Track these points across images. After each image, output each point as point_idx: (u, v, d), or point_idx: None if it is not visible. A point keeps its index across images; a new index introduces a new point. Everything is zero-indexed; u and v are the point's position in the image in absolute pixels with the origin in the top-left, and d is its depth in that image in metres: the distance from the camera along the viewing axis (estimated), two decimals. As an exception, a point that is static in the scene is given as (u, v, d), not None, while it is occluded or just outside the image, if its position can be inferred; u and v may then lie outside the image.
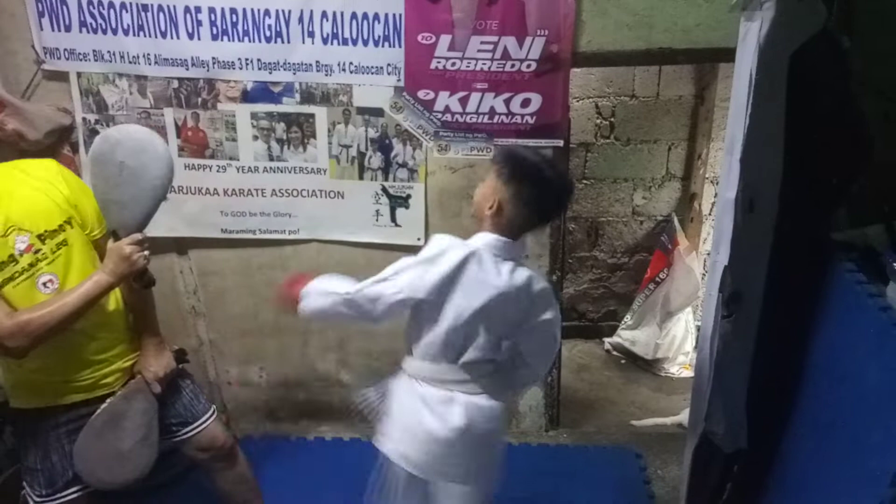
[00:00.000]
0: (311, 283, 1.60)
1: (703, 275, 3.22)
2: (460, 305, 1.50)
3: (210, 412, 1.91)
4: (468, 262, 1.49)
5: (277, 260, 2.58)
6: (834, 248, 1.70)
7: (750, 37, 1.43)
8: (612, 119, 3.24)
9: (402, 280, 1.52)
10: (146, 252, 1.60)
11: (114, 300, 1.71)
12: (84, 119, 2.35)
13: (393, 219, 2.47)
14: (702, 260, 3.34)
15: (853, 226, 1.76)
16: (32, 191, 1.57)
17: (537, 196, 1.50)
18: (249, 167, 2.42)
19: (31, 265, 1.54)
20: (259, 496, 2.09)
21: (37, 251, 1.54)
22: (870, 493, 1.34)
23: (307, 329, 2.70)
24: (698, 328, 3.06)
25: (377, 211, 2.47)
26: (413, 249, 2.48)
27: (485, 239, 1.52)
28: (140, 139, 1.58)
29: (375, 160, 2.40)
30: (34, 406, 1.66)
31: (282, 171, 2.43)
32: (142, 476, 1.72)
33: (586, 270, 3.69)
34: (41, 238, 1.55)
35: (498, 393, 1.64)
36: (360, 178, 2.43)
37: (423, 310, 1.54)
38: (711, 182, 3.23)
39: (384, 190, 2.44)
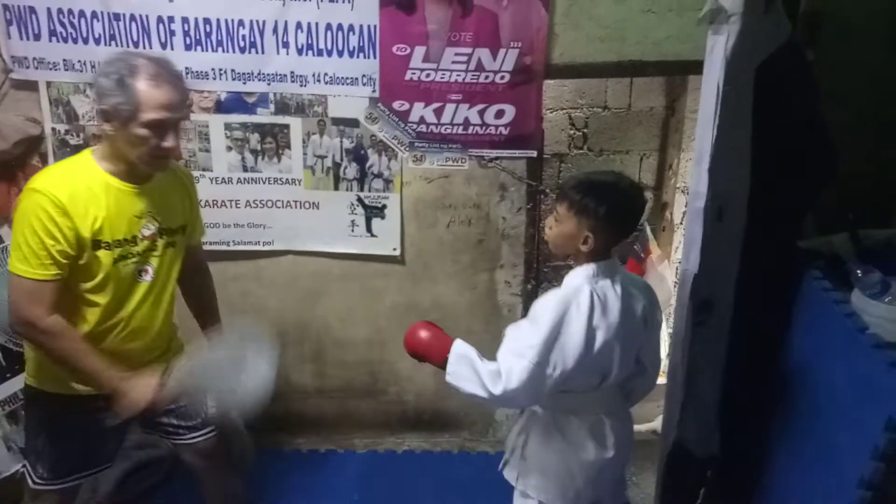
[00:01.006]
0: (456, 353, 1.56)
1: (676, 283, 3.26)
2: (598, 339, 1.49)
3: (207, 430, 1.90)
4: (593, 304, 1.49)
5: (252, 271, 2.56)
6: (801, 256, 1.74)
7: (717, 49, 1.47)
8: (586, 130, 3.28)
9: (538, 351, 1.46)
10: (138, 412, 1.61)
11: (163, 310, 1.74)
12: (53, 129, 2.31)
13: (369, 229, 2.47)
14: (674, 268, 3.38)
15: (819, 234, 1.81)
16: (174, 188, 1.71)
17: (623, 214, 1.53)
18: (223, 178, 2.41)
19: (144, 252, 1.62)
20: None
21: (153, 242, 1.64)
22: (841, 496, 1.37)
23: (283, 342, 2.68)
24: (671, 336, 3.10)
25: (353, 221, 2.46)
26: (389, 259, 2.53)
27: (588, 272, 1.53)
28: (269, 363, 1.64)
29: (351, 171, 2.40)
30: (52, 390, 1.65)
31: (256, 182, 2.41)
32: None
33: (561, 280, 3.70)
34: (161, 232, 1.65)
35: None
36: (336, 188, 2.43)
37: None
38: (682, 192, 3.28)
39: (360, 200, 2.44)
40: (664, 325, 3.36)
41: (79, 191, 1.49)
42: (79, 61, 2.24)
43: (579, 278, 1.53)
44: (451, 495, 2.47)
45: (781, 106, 1.60)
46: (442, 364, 1.57)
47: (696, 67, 1.68)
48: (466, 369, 1.53)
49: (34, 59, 2.22)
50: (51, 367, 1.62)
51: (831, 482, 1.46)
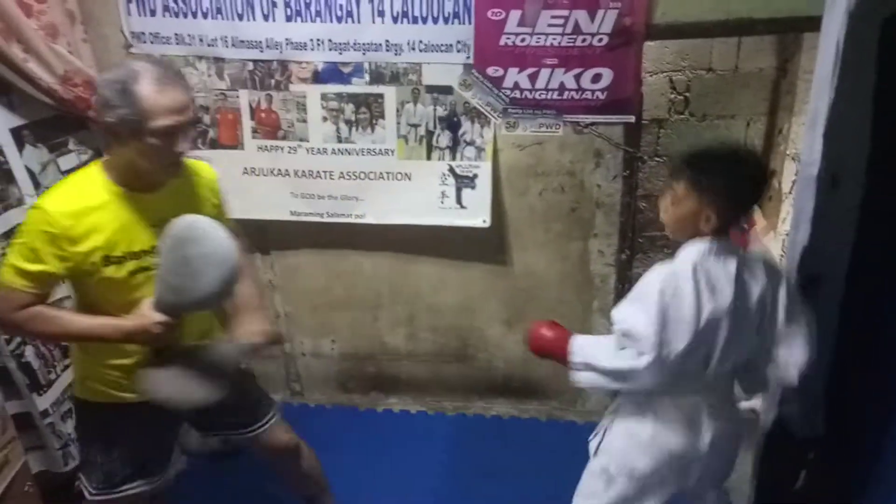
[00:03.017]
0: (577, 349, 1.58)
1: (781, 256, 3.09)
2: (702, 320, 1.43)
3: (271, 415, 1.91)
4: (698, 282, 1.42)
5: (346, 238, 2.64)
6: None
7: (839, 2, 1.36)
8: (687, 94, 3.11)
9: (653, 342, 1.42)
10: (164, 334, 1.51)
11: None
12: (96, 80, 2.45)
13: (458, 200, 2.48)
14: (780, 240, 3.20)
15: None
16: (194, 191, 1.65)
17: (747, 188, 1.45)
18: (319, 149, 2.47)
19: None
20: (325, 489, 2.12)
21: None
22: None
23: (377, 304, 2.77)
24: (775, 311, 2.94)
25: (443, 192, 2.48)
26: (477, 232, 2.53)
27: (701, 248, 1.46)
28: (218, 247, 1.45)
29: (444, 139, 2.41)
30: (101, 400, 1.65)
31: (350, 154, 2.47)
32: (211, 399, 1.58)
33: (657, 250, 3.58)
34: None
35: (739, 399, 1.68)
36: (428, 157, 2.45)
37: None
38: (792, 159, 3.07)
39: (451, 170, 2.45)
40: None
41: (86, 209, 1.44)
42: (188, 35, 2.36)
43: (692, 254, 1.45)
44: (536, 462, 2.50)
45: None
46: (564, 360, 1.60)
47: (813, 24, 1.56)
48: (588, 363, 1.55)
49: (150, 33, 2.37)
50: (96, 376, 1.62)
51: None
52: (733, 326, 1.46)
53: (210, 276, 1.42)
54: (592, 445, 1.75)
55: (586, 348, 1.57)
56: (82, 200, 1.45)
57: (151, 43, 2.38)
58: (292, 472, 2.02)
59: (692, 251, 1.47)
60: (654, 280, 1.45)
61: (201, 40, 2.36)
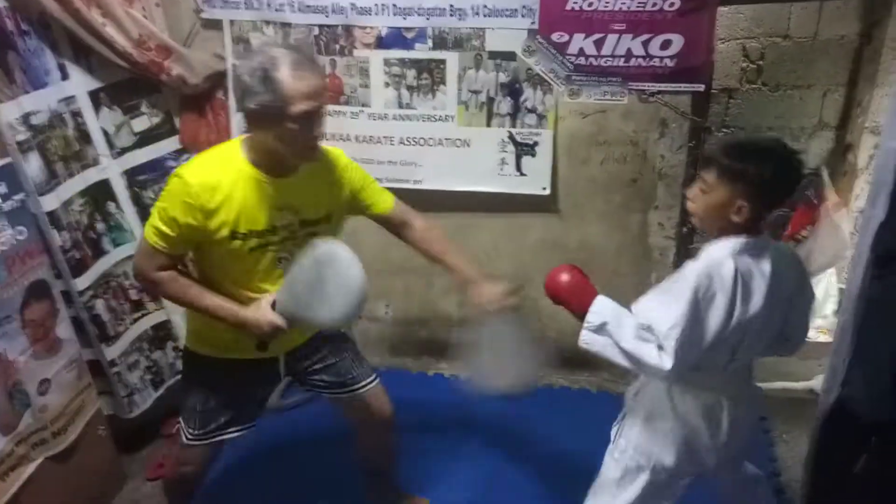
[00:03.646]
0: (600, 309, 1.47)
1: (853, 234, 2.96)
2: (735, 320, 1.41)
3: (370, 378, 1.95)
4: (736, 282, 1.39)
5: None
6: None
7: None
8: (761, 62, 2.98)
9: (675, 345, 1.37)
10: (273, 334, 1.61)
11: None
12: (234, 65, 2.51)
13: (518, 167, 2.47)
14: (853, 218, 3.06)
15: None
16: (322, 178, 1.67)
17: (782, 180, 1.41)
18: (380, 115, 2.50)
19: (283, 241, 1.62)
20: (394, 465, 2.14)
21: (292, 232, 1.63)
22: None
23: (431, 271, 2.79)
24: (841, 290, 2.85)
25: (502, 159, 2.47)
26: (537, 200, 2.52)
27: (733, 245, 1.43)
28: (353, 280, 1.54)
29: (504, 106, 2.40)
30: (209, 353, 1.74)
31: (410, 119, 2.48)
32: (532, 382, 1.80)
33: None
34: (302, 223, 1.64)
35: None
36: (488, 124, 2.44)
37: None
38: (872, 132, 2.92)
39: (511, 137, 2.43)
40: (833, 278, 3.11)
41: (221, 184, 1.50)
42: (257, 0, 2.39)
43: (723, 251, 1.42)
44: (586, 433, 2.47)
45: None
46: (581, 314, 1.49)
47: (906, -13, 1.47)
48: (605, 338, 1.46)
49: (220, -1, 2.41)
50: (206, 333, 1.71)
51: None
52: (764, 325, 1.45)
53: (336, 305, 1.53)
54: (614, 432, 1.72)
55: (610, 315, 1.46)
56: (219, 175, 1.52)
57: (221, 7, 2.43)
58: (376, 442, 2.05)
59: (724, 248, 1.43)
60: (688, 278, 1.40)
61: (269, 5, 2.40)
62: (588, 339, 1.47)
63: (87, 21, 2.04)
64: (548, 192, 2.47)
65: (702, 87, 2.22)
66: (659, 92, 2.26)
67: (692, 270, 1.41)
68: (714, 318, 1.39)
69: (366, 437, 2.04)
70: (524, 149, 2.44)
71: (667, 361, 1.37)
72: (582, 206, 2.52)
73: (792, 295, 1.52)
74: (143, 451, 2.49)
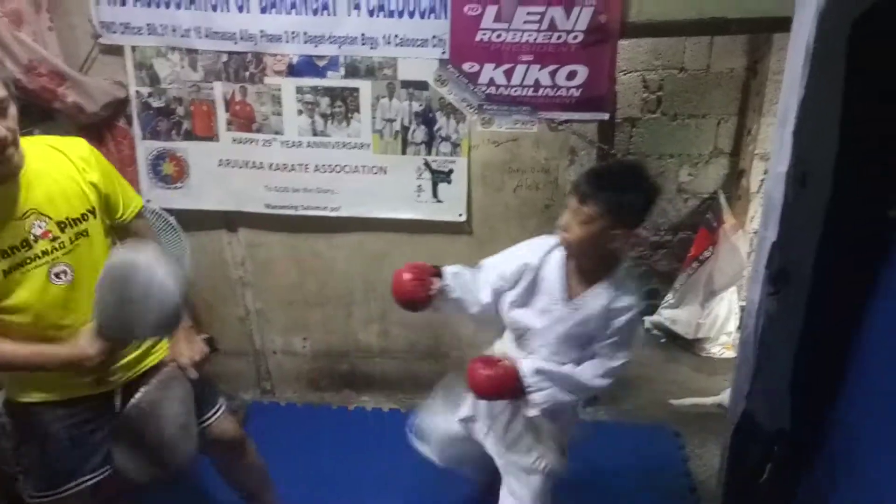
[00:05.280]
0: (527, 376, 1.59)
1: (750, 254, 3.15)
2: None
3: (219, 405, 1.85)
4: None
5: (320, 233, 2.62)
6: (891, 226, 1.64)
7: (809, 2, 1.38)
8: (660, 93, 3.17)
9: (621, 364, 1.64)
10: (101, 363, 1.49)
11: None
12: (137, 92, 2.41)
13: (435, 194, 2.48)
14: (748, 238, 3.27)
15: (912, 203, 1.70)
16: (61, 173, 1.47)
17: (642, 201, 1.52)
18: (294, 142, 2.46)
19: (46, 252, 1.44)
20: (269, 486, 2.06)
21: (54, 238, 1.44)
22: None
23: (351, 300, 2.75)
24: (742, 308, 3.00)
25: (419, 186, 2.48)
26: (454, 226, 2.54)
27: (630, 279, 1.64)
28: (162, 285, 1.40)
29: (419, 134, 2.41)
30: (33, 400, 1.58)
31: (325, 146, 2.45)
32: (184, 465, 1.65)
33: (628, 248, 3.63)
34: (61, 226, 1.46)
35: None
36: (404, 152, 2.44)
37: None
38: (761, 158, 3.14)
39: (427, 164, 2.45)
40: (734, 296, 3.29)
41: None
42: (161, 25, 2.31)
43: (633, 290, 1.63)
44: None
45: (877, 63, 1.50)
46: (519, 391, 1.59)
47: (783, 24, 1.59)
48: (548, 388, 1.59)
49: (120, 24, 2.32)
50: (33, 376, 1.56)
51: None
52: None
53: (151, 317, 1.40)
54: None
55: (535, 372, 1.60)
56: None
57: (122, 33, 2.33)
58: (237, 467, 1.97)
59: (631, 285, 1.63)
60: (629, 325, 1.62)
61: (174, 31, 2.32)
62: (537, 399, 1.58)
63: (-32, 44, 1.91)
64: (464, 218, 2.49)
65: (606, 116, 2.31)
66: (567, 121, 2.34)
67: (630, 322, 1.62)
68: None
69: (227, 465, 1.96)
70: (440, 176, 2.46)
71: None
72: (498, 231, 2.56)
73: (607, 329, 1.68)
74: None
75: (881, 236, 1.65)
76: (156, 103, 2.42)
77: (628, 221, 1.50)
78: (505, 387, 1.58)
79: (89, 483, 1.64)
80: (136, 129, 2.45)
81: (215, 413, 1.83)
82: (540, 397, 1.57)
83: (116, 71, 2.38)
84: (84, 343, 1.44)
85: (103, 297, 1.40)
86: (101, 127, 2.35)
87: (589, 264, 1.61)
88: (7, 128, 1.30)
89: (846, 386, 1.75)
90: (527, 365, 1.59)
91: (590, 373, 1.62)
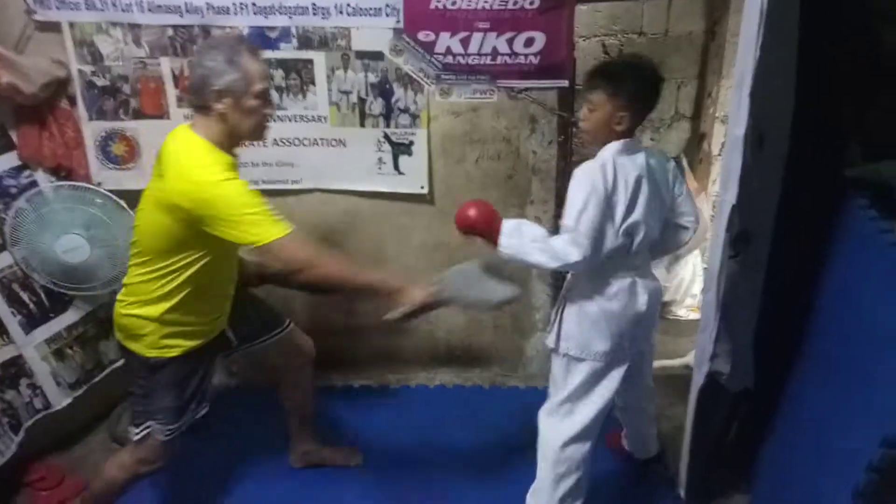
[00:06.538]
0: (509, 228, 1.72)
1: (712, 216, 3.18)
2: (621, 206, 1.67)
3: (288, 320, 2.08)
4: (617, 172, 1.66)
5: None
6: (846, 185, 1.66)
7: (762, -37, 1.37)
8: (620, 58, 3.14)
9: (588, 220, 1.63)
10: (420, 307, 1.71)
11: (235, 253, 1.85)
12: (80, 71, 2.30)
13: (396, 166, 2.44)
14: (711, 201, 3.29)
15: (866, 161, 1.72)
16: None
17: (650, 90, 1.70)
18: (249, 116, 2.38)
19: None
20: (312, 405, 2.26)
21: None
22: (877, 429, 1.34)
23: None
24: (706, 270, 3.04)
25: (380, 158, 2.43)
26: (417, 198, 2.50)
27: (616, 147, 1.69)
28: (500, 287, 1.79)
29: (376, 106, 2.35)
30: (175, 354, 1.76)
31: (282, 120, 2.38)
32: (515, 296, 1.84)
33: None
34: None
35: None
36: (362, 125, 2.39)
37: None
38: (721, 121, 3.15)
39: (386, 137, 2.40)
40: (699, 259, 3.33)
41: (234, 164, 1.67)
42: (100, 0, 2.20)
43: (608, 153, 1.69)
44: (482, 429, 2.51)
45: (829, 24, 1.50)
46: (494, 237, 1.71)
47: (740, -16, 1.57)
48: (519, 241, 1.69)
49: (55, -1, 2.20)
50: (178, 329, 1.74)
51: (869, 414, 1.43)
52: (649, 208, 1.70)
53: (484, 299, 1.79)
54: (550, 340, 1.87)
55: (516, 224, 1.73)
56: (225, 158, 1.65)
57: (58, 9, 2.21)
58: (302, 379, 2.17)
59: (609, 150, 1.69)
60: (578, 181, 1.67)
61: (114, 5, 2.21)
62: (505, 244, 1.70)
63: None
64: (426, 190, 2.46)
65: (566, 83, 2.28)
66: (527, 89, 2.30)
67: (582, 173, 1.67)
68: (602, 207, 1.64)
69: (292, 377, 2.15)
70: (400, 148, 2.41)
71: (573, 252, 1.62)
72: (461, 203, 2.52)
73: (666, 181, 1.78)
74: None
75: (837, 194, 1.67)
76: (100, 82, 2.32)
77: (632, 103, 1.66)
78: (482, 223, 1.75)
79: (204, 411, 1.88)
80: (82, 110, 2.34)
81: (289, 323, 2.08)
82: (507, 245, 1.69)
83: (55, 49, 2.26)
84: (419, 288, 1.70)
85: (460, 275, 1.78)
86: (41, 108, 2.23)
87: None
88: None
89: (805, 345, 1.79)
90: (510, 221, 1.73)
91: (538, 231, 1.71)
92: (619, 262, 1.75)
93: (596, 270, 1.75)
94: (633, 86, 1.65)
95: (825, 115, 1.62)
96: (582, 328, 1.80)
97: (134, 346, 1.76)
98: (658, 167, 1.75)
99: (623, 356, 1.83)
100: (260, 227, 1.58)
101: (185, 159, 1.61)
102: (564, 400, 1.85)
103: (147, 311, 1.72)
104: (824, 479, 1.59)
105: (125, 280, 1.78)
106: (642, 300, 1.78)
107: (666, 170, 1.79)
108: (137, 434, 1.81)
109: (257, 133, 1.70)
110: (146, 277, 1.71)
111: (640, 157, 1.70)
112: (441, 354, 2.85)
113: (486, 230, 1.73)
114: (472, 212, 1.76)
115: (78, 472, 2.30)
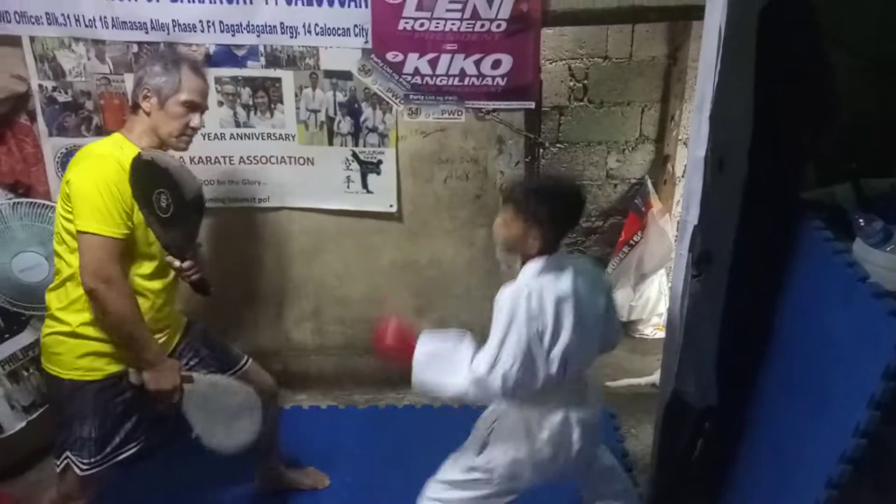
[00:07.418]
0: (421, 353, 1.59)
1: (676, 236, 3.24)
2: (548, 334, 1.52)
3: (246, 358, 2.02)
4: (543, 296, 1.51)
5: (249, 229, 2.54)
6: (803, 207, 1.71)
7: (719, -9, 1.41)
8: (586, 81, 3.20)
9: (509, 351, 1.51)
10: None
11: (172, 281, 1.78)
12: (40, 86, 2.26)
13: (364, 185, 2.44)
14: (675, 222, 3.36)
15: (822, 185, 1.78)
16: None
17: (565, 213, 1.58)
18: (216, 134, 2.36)
19: None
20: (278, 442, 2.18)
21: None
22: (837, 444, 1.37)
23: (281, 300, 2.68)
24: (670, 289, 3.09)
25: (348, 177, 2.43)
26: (385, 216, 2.50)
27: (535, 268, 1.56)
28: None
29: (345, 125, 2.36)
30: (95, 377, 1.68)
31: (249, 138, 2.37)
32: (255, 438, 1.81)
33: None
34: None
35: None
36: (330, 143, 2.39)
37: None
38: (684, 144, 3.23)
39: (354, 156, 2.40)
40: (664, 278, 3.38)
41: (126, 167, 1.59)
42: (62, 14, 2.17)
43: (528, 275, 1.57)
44: (451, 450, 2.49)
45: (784, 51, 1.55)
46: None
47: (699, 13, 1.62)
48: (434, 376, 1.58)
49: (15, 12, 2.16)
50: (96, 349, 1.66)
51: (828, 430, 1.46)
52: (581, 332, 1.55)
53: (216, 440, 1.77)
54: (474, 447, 1.78)
55: (425, 360, 1.60)
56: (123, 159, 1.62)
57: (17, 22, 2.17)
58: (266, 416, 2.01)
59: (529, 272, 1.57)
60: (502, 304, 1.54)
61: (78, 20, 2.18)
62: (418, 381, 1.59)
63: None
64: (395, 209, 2.46)
65: (532, 105, 2.31)
66: (494, 110, 2.33)
67: (507, 296, 1.53)
68: (524, 336, 1.50)
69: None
70: (369, 167, 2.42)
71: (494, 382, 1.49)
72: (429, 223, 2.54)
73: (597, 297, 1.64)
74: None
75: (795, 216, 1.71)
76: (62, 98, 2.28)
77: (546, 223, 1.54)
78: (395, 351, 1.63)
79: (133, 451, 1.75)
80: (42, 126, 2.30)
81: (246, 361, 2.01)
82: (420, 383, 1.59)
83: (15, 64, 2.22)
84: (161, 377, 1.67)
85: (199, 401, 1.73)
86: (1, 123, 2.19)
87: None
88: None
89: (767, 362, 1.82)
90: (422, 350, 1.59)
91: (477, 376, 1.52)
92: (550, 394, 1.61)
93: (525, 403, 1.64)
94: (547, 208, 1.53)
95: (782, 140, 1.66)
96: (509, 466, 1.68)
97: (53, 369, 1.68)
98: (586, 284, 1.60)
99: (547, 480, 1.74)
100: (86, 215, 1.54)
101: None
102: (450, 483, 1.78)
103: (62, 323, 1.65)
104: (788, 495, 1.61)
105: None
106: (576, 437, 1.64)
107: (595, 286, 1.64)
108: (58, 466, 1.71)
109: (179, 141, 1.72)
110: (58, 282, 1.66)
111: (566, 277, 1.56)
112: (410, 375, 2.83)
113: (405, 357, 1.61)
114: (387, 340, 1.64)
115: (31, 501, 2.22)
